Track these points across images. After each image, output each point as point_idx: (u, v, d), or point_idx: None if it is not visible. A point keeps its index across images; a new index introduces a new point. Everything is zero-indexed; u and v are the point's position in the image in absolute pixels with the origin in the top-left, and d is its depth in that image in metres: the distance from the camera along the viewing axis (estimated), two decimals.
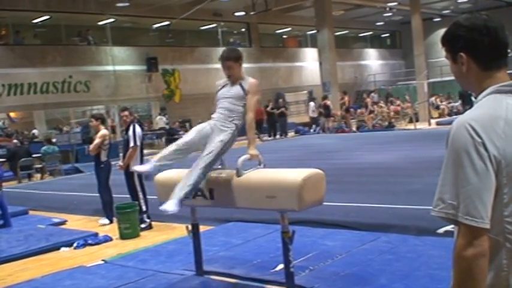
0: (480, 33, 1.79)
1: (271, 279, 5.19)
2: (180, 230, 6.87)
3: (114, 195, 9.15)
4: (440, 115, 26.59)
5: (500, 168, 1.68)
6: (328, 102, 24.60)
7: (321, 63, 26.41)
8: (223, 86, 5.20)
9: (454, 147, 1.71)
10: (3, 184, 15.67)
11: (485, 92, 1.81)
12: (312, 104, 26.50)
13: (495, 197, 1.69)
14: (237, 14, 29.32)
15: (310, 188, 4.40)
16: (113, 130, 23.47)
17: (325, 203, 4.77)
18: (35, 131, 23.47)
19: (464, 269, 1.67)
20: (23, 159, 16.58)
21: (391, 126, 24.08)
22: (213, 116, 5.14)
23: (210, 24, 30.59)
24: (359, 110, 27.75)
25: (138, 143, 8.41)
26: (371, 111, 26.09)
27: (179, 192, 4.82)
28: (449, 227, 5.41)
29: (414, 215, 6.91)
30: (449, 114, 26.02)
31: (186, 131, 18.11)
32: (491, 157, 1.67)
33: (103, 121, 9.37)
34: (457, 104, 27.70)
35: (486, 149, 1.67)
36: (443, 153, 1.78)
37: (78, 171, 17.63)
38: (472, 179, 1.66)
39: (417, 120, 24.18)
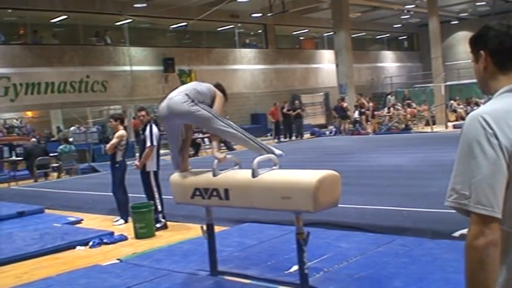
0: (503, 35, 1.81)
1: (286, 280, 5.19)
2: (195, 230, 6.89)
3: (130, 195, 9.20)
4: (457, 118, 26.41)
5: None
6: (345, 104, 24.58)
7: (337, 65, 26.35)
8: None
9: (466, 138, 1.72)
10: (19, 182, 15.86)
11: (499, 91, 1.82)
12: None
13: (507, 189, 1.68)
14: (254, 15, 29.37)
15: (325, 189, 4.39)
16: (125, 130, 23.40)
17: (340, 205, 4.75)
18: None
19: (475, 259, 1.66)
20: (39, 158, 16.68)
21: (407, 129, 23.97)
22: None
23: (227, 26, 30.64)
24: (376, 112, 27.61)
25: (155, 143, 8.46)
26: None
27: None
28: (465, 231, 5.37)
29: (430, 218, 6.87)
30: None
31: (201, 131, 18.10)
32: (503, 147, 1.67)
33: (122, 121, 9.46)
34: (475, 108, 27.42)
35: (497, 139, 1.67)
36: None
37: (94, 170, 17.75)
38: (483, 168, 1.66)
39: (434, 123, 24.06)
